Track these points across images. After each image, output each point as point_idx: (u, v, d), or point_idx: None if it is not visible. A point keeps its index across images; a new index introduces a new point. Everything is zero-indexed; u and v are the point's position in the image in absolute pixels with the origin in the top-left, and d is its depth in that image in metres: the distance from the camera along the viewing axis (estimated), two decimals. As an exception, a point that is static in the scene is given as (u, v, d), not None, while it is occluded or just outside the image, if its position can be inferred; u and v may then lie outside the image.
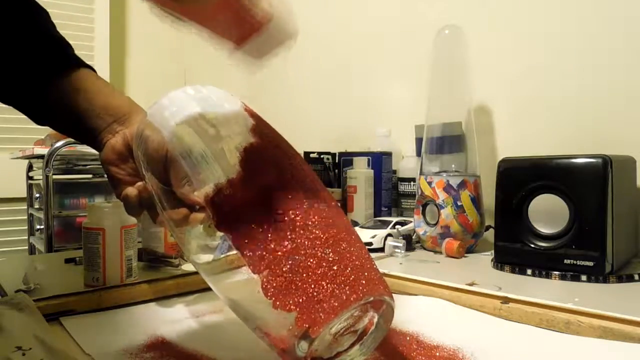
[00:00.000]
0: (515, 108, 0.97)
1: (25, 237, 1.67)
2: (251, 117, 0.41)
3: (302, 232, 0.34)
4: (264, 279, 0.33)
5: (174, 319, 0.48)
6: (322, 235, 0.34)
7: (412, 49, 1.16)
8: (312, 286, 0.32)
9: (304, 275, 0.33)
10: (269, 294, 0.32)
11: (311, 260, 0.33)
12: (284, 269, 0.33)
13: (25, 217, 1.65)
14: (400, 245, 0.81)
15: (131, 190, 0.47)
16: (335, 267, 0.33)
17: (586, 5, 0.86)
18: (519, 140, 0.96)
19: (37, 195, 1.53)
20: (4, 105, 0.50)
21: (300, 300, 0.32)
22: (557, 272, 0.66)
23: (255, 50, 0.39)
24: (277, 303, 0.32)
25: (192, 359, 0.39)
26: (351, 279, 0.33)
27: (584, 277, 0.64)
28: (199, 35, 0.39)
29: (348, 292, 0.32)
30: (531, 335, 0.44)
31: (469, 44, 0.90)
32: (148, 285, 0.55)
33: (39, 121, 0.51)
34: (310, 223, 0.35)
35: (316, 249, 0.34)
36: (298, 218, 0.35)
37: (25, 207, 1.64)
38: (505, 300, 0.49)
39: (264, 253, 0.34)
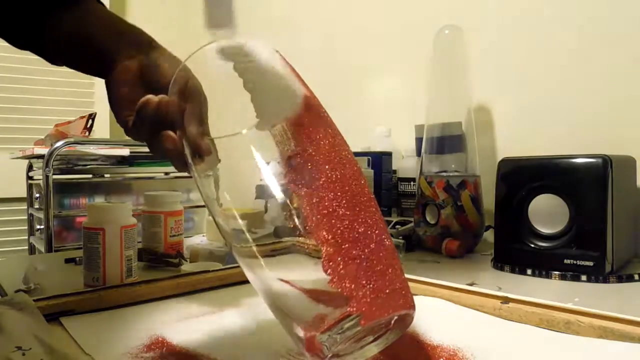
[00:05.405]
0: (515, 108, 0.97)
1: (25, 237, 1.67)
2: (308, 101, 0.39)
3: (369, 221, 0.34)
4: (327, 252, 0.32)
5: (174, 319, 0.48)
6: (380, 240, 0.34)
7: (412, 48, 1.16)
8: (373, 278, 0.31)
9: (371, 264, 0.32)
10: (330, 270, 0.31)
11: (383, 252, 0.33)
12: (352, 250, 0.32)
13: (25, 217, 1.65)
14: (400, 245, 0.81)
15: (152, 99, 0.41)
16: (389, 270, 0.33)
17: (586, 5, 0.86)
18: (519, 140, 0.96)
19: (37, 195, 1.53)
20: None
21: (361, 286, 0.31)
22: (557, 272, 0.66)
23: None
24: (335, 280, 0.31)
25: (192, 359, 0.39)
26: (403, 285, 0.33)
27: (584, 277, 0.64)
28: None
29: (396, 298, 0.32)
30: (531, 335, 0.44)
31: (469, 44, 0.90)
32: (148, 285, 0.55)
33: (52, 59, 0.49)
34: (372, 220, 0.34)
35: (379, 249, 0.33)
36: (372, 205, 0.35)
37: (25, 207, 1.64)
38: (505, 300, 0.49)
39: (339, 227, 0.32)
